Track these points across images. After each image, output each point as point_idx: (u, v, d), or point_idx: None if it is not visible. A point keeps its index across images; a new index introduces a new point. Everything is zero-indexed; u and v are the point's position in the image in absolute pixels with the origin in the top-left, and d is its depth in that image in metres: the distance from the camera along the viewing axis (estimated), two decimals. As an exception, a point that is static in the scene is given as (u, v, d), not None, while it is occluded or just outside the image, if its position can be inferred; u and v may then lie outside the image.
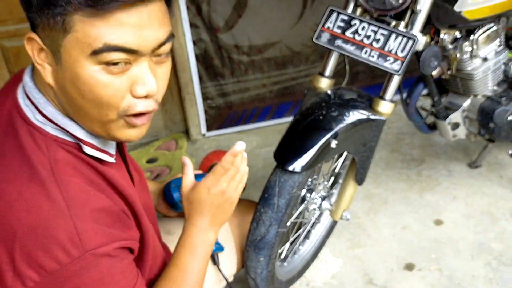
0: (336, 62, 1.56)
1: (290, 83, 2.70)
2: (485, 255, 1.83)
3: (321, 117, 1.36)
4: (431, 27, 1.53)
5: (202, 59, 2.51)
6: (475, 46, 1.62)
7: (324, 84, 1.55)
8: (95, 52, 0.73)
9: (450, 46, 1.58)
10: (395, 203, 2.13)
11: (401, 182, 2.26)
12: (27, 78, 0.84)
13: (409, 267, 1.82)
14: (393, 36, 1.37)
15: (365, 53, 1.40)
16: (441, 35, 1.56)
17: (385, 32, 1.38)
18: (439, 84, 1.86)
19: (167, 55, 0.82)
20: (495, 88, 1.79)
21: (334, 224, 1.90)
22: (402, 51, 1.36)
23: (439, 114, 1.80)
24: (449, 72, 1.69)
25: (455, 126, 1.83)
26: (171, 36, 0.81)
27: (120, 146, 1.00)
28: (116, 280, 0.82)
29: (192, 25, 2.41)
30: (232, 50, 2.54)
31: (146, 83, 0.78)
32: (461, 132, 1.86)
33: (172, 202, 1.27)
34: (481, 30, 1.63)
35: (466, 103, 1.79)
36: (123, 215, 0.87)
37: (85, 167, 0.84)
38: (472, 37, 1.61)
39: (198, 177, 1.10)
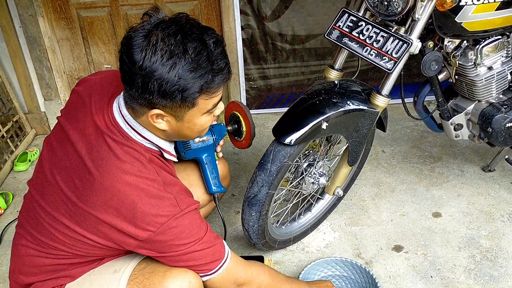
0: (345, 57, 1.78)
1: (328, 73, 2.91)
2: (472, 249, 1.98)
3: (317, 102, 1.60)
4: (436, 33, 1.70)
5: (248, 43, 2.79)
6: (479, 55, 1.76)
7: (333, 75, 1.79)
8: (209, 111, 1.20)
9: (452, 53, 1.74)
10: (401, 193, 2.31)
11: (413, 175, 2.43)
12: (125, 112, 1.21)
13: (397, 248, 2.01)
14: (391, 38, 1.57)
15: (366, 51, 1.61)
16: (445, 42, 1.72)
17: (385, 35, 1.59)
18: (450, 87, 2.02)
19: None
20: (501, 96, 1.91)
21: (336, 203, 2.14)
22: (396, 52, 1.56)
23: (443, 114, 1.97)
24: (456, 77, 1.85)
25: (459, 127, 1.98)
26: None
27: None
28: (199, 224, 1.24)
29: (242, 12, 2.70)
30: (276, 38, 2.79)
31: (221, 107, 1.27)
32: (464, 134, 2.00)
33: (179, 151, 1.55)
34: (488, 41, 1.77)
35: (470, 107, 1.93)
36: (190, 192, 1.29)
37: (166, 165, 1.31)
38: (477, 46, 1.76)
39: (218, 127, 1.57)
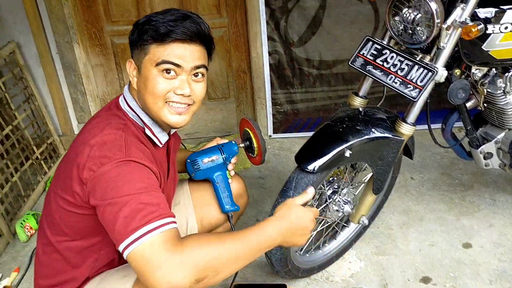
0: (370, 85, 1.77)
1: (355, 98, 2.90)
2: (504, 283, 1.91)
3: (341, 129, 1.60)
4: (463, 61, 1.68)
5: (275, 68, 2.82)
6: (508, 83, 1.73)
7: (357, 102, 1.78)
8: (157, 64, 1.25)
9: (480, 81, 1.71)
10: (430, 222, 2.25)
11: (442, 203, 2.37)
12: (125, 87, 1.38)
13: (426, 280, 1.95)
14: (416, 67, 1.56)
15: (390, 79, 1.60)
16: (472, 70, 1.70)
17: (410, 63, 1.57)
18: (479, 114, 1.97)
19: (202, 77, 1.33)
20: (533, 125, 1.86)
21: (363, 231, 2.10)
22: (421, 81, 1.54)
23: (472, 142, 1.92)
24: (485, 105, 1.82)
25: (489, 155, 1.93)
26: (204, 67, 1.32)
27: (169, 148, 1.47)
28: (140, 178, 1.14)
29: (270, 38, 2.74)
30: (303, 63, 2.81)
31: (183, 88, 1.29)
32: (495, 162, 1.95)
33: (189, 173, 1.61)
34: (518, 69, 1.73)
35: (500, 135, 1.89)
36: (155, 165, 1.25)
37: (143, 140, 1.31)
38: (506, 74, 1.73)
39: (229, 145, 1.61)
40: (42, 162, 2.77)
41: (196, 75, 1.31)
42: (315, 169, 1.55)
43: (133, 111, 1.33)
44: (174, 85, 1.27)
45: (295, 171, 1.60)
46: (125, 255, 1.07)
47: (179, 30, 1.24)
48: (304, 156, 1.59)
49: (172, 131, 1.47)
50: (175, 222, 1.12)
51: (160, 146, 1.38)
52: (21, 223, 2.32)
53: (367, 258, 2.08)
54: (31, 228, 2.32)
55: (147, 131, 1.33)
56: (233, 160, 1.64)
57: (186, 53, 1.26)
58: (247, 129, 1.64)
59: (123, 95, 1.37)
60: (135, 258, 1.05)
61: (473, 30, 1.45)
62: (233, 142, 1.63)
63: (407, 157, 1.90)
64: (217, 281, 1.11)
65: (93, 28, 2.81)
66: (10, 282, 2.06)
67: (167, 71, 1.26)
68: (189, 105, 1.32)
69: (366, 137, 1.60)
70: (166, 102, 1.29)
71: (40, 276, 1.39)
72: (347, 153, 1.56)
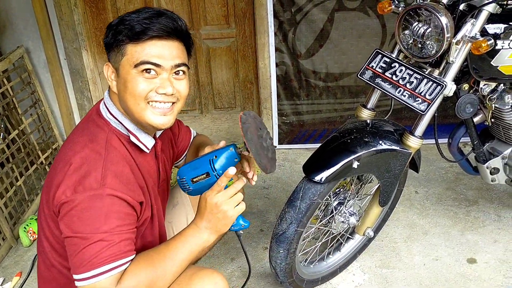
0: (378, 97, 1.78)
1: (361, 111, 2.91)
2: (509, 299, 1.90)
3: (349, 141, 1.60)
4: (471, 76, 1.69)
5: (282, 79, 2.83)
6: (516, 99, 1.74)
7: (365, 114, 1.79)
8: (136, 65, 1.21)
9: (488, 96, 1.72)
10: (434, 236, 2.25)
11: (447, 218, 2.36)
12: (105, 93, 1.34)
13: (430, 294, 1.95)
14: (425, 80, 1.57)
15: (399, 92, 1.61)
16: (481, 85, 1.70)
17: (419, 76, 1.58)
18: (486, 129, 1.98)
19: (183, 75, 1.28)
20: (540, 141, 1.86)
21: (367, 243, 2.09)
22: (430, 94, 1.55)
23: (479, 157, 1.92)
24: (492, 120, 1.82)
25: (495, 171, 1.93)
26: (184, 65, 1.27)
27: (157, 151, 1.41)
28: (110, 215, 1.15)
29: (277, 50, 2.75)
30: (310, 75, 2.83)
31: (165, 87, 1.24)
32: (501, 178, 1.95)
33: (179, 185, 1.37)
34: (526, 85, 1.74)
35: (507, 151, 1.89)
36: (136, 185, 1.24)
37: (128, 148, 1.29)
38: (514, 90, 1.74)
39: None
40: (46, 167, 2.77)
41: (177, 73, 1.26)
42: (322, 179, 1.55)
43: (116, 119, 1.29)
44: (156, 84, 1.23)
45: (302, 181, 1.60)
46: (77, 284, 1.16)
47: (155, 27, 1.20)
48: (312, 167, 1.59)
49: (158, 133, 1.42)
50: (131, 260, 1.18)
51: (147, 151, 1.34)
52: (25, 228, 2.32)
53: (371, 271, 2.07)
54: (34, 232, 2.32)
55: (133, 139, 1.29)
56: (230, 171, 1.23)
57: (165, 52, 1.22)
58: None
59: (104, 102, 1.32)
60: None
61: (483, 45, 1.46)
62: (231, 150, 1.28)
63: (413, 170, 1.90)
64: None
65: (102, 36, 2.82)
66: (12, 286, 2.05)
67: (147, 70, 1.22)
68: (173, 103, 1.27)
69: (374, 149, 1.60)
70: (148, 102, 1.24)
71: None
72: (355, 164, 1.56)
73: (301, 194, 1.58)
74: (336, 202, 1.81)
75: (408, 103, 1.58)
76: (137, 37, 1.20)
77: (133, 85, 1.22)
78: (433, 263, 2.10)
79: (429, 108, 1.54)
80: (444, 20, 1.49)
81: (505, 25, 1.56)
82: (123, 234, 1.17)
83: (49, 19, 2.70)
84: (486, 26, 1.55)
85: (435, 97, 1.54)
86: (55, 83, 2.86)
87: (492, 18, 1.54)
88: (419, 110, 1.56)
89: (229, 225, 1.27)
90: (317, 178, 1.55)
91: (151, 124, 1.27)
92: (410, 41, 1.61)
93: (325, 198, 1.64)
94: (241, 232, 1.36)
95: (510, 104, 1.75)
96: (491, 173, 1.93)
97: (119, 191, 1.17)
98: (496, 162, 1.91)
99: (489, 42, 1.47)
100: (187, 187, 1.29)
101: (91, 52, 2.84)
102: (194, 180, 1.28)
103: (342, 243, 2.03)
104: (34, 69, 2.79)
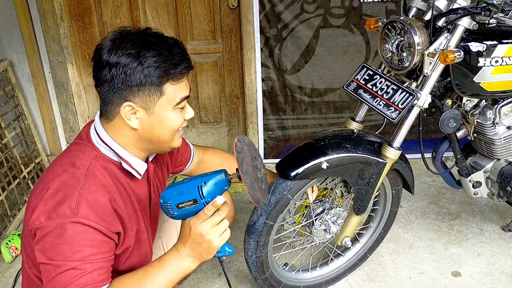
0: (366, 111, 1.83)
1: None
2: (493, 311, 1.93)
3: (323, 144, 1.68)
4: (454, 92, 1.73)
5: (268, 94, 2.86)
6: (497, 115, 1.79)
7: (353, 126, 1.84)
8: (177, 104, 1.26)
9: (470, 112, 1.77)
10: (419, 250, 2.27)
11: (431, 232, 2.40)
12: (96, 118, 1.32)
13: (416, 307, 1.96)
14: (400, 91, 1.63)
15: (376, 101, 1.67)
16: (463, 101, 1.75)
17: (395, 87, 1.65)
18: (469, 144, 2.03)
19: None
20: (521, 155, 1.92)
21: (358, 263, 2.10)
22: (402, 103, 1.61)
23: (462, 171, 1.97)
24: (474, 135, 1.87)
25: (477, 184, 1.97)
26: None
27: (149, 175, 1.40)
28: (83, 242, 1.15)
29: (263, 65, 2.78)
30: (296, 90, 2.86)
31: (191, 112, 1.34)
32: (483, 191, 1.99)
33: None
34: (507, 101, 1.80)
35: (489, 165, 1.94)
36: (113, 215, 1.22)
37: (118, 175, 1.28)
38: (496, 106, 1.79)
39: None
40: (29, 181, 2.73)
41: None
42: (292, 175, 1.64)
43: (106, 145, 1.28)
44: (184, 113, 1.32)
45: (276, 178, 1.71)
46: None
47: (186, 64, 1.26)
48: (284, 165, 1.69)
49: (151, 156, 1.41)
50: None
51: (140, 177, 1.34)
52: (7, 244, 2.27)
53: (357, 285, 2.08)
54: (16, 248, 2.27)
55: (125, 165, 1.29)
56: (218, 201, 1.20)
57: (186, 83, 1.30)
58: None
59: (94, 127, 1.30)
60: None
61: (450, 56, 1.50)
62: (222, 176, 1.22)
63: (407, 191, 1.97)
64: None
65: (88, 49, 2.83)
66: (-7, 303, 2.00)
67: (181, 106, 1.29)
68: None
69: (346, 154, 1.67)
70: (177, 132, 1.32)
71: None
72: (324, 165, 1.63)
73: (272, 188, 1.68)
74: (319, 209, 1.85)
75: (382, 111, 1.64)
76: (178, 78, 1.24)
77: (172, 121, 1.27)
78: (419, 276, 2.12)
79: (400, 116, 1.60)
80: (415, 32, 1.56)
81: (487, 44, 1.62)
82: (96, 262, 1.15)
83: (35, 33, 2.68)
84: (469, 44, 1.60)
85: (406, 106, 1.59)
86: (39, 97, 2.83)
87: (476, 37, 1.59)
88: (391, 118, 1.61)
89: (213, 253, 1.25)
90: (287, 174, 1.64)
91: (174, 148, 1.35)
92: (389, 54, 1.67)
93: (295, 196, 1.70)
94: (224, 258, 1.33)
95: (492, 120, 1.80)
96: (473, 187, 1.98)
97: (93, 221, 1.16)
98: (479, 176, 1.96)
99: (456, 54, 1.52)
100: (171, 212, 1.23)
101: (76, 65, 2.83)
102: (180, 206, 1.21)
103: (332, 259, 2.04)
104: (18, 83, 2.76)
